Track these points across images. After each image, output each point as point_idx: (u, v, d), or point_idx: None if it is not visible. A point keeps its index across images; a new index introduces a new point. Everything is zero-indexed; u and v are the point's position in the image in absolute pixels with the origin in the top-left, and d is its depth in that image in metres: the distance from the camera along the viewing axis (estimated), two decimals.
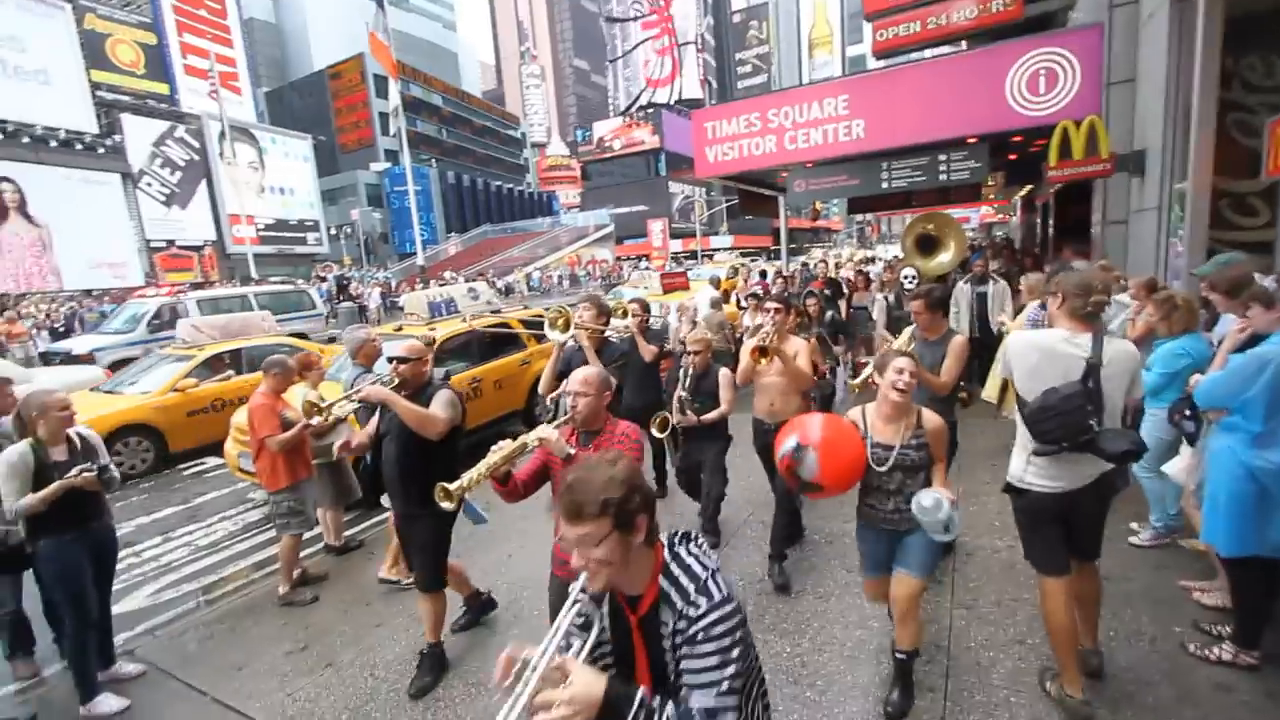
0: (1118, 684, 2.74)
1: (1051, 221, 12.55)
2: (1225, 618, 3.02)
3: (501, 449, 2.27)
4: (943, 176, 8.39)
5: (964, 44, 11.62)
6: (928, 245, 7.93)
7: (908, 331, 3.80)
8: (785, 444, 2.59)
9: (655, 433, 3.84)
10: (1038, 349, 2.45)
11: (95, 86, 28.59)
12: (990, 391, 5.38)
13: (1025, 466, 2.53)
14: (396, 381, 3.02)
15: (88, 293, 25.44)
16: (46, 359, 11.74)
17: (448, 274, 29.63)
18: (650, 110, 58.58)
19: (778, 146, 9.08)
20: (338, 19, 65.47)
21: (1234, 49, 5.34)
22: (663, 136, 55.32)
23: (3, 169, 24.94)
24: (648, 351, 4.71)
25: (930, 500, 2.42)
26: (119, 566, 4.64)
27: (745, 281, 13.58)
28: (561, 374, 3.96)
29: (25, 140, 25.92)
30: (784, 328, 3.69)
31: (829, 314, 6.40)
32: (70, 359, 10.88)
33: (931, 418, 2.62)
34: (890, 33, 10.99)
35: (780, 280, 10.29)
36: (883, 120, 8.25)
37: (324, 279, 26.96)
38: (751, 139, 9.31)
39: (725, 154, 9.57)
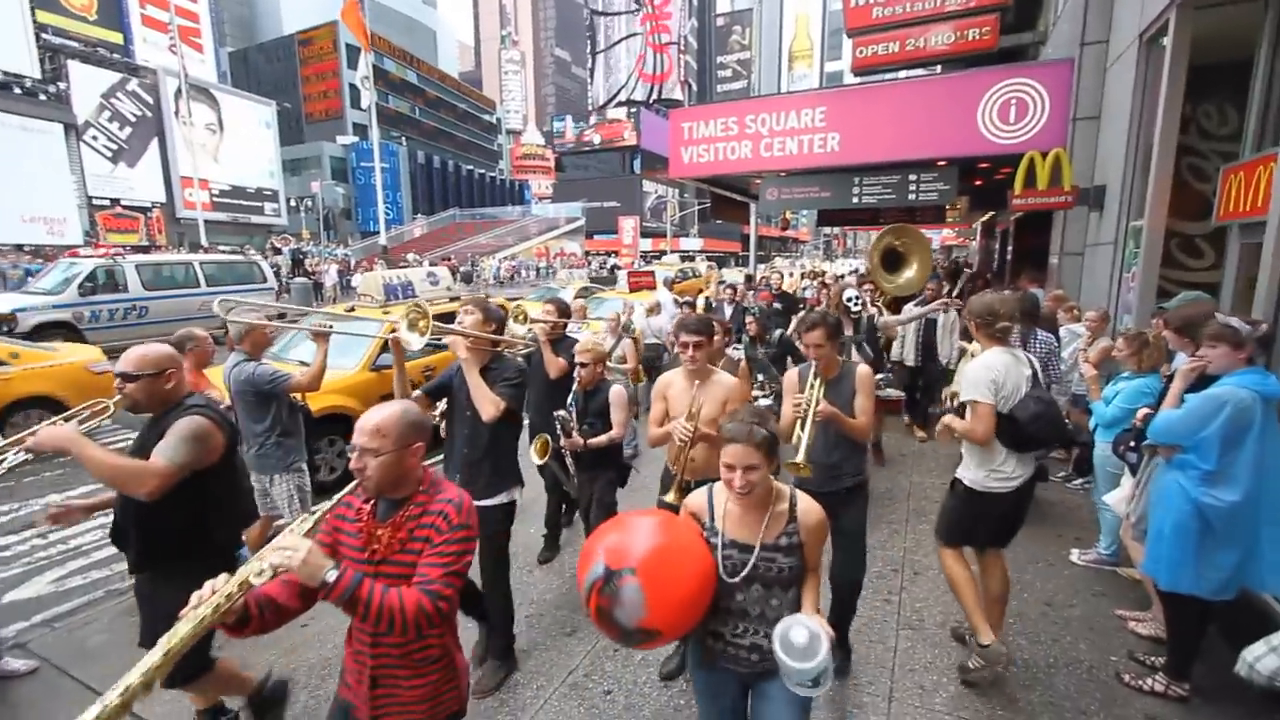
0: (1056, 712, 2.76)
1: (1010, 248, 12.95)
2: (1158, 649, 3.08)
3: (201, 608, 1.37)
4: (912, 196, 8.51)
5: (939, 68, 11.89)
6: (893, 262, 7.58)
7: (796, 375, 2.99)
8: (590, 569, 1.67)
9: (535, 459, 3.38)
10: (1013, 368, 2.77)
11: (41, 29, 26.81)
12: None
13: (987, 474, 2.82)
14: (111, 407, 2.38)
15: (19, 247, 23.84)
16: None
17: (411, 256, 28.86)
18: (631, 106, 58.35)
19: (753, 153, 9.07)
20: None
21: (1193, 96, 5.53)
22: (640, 134, 55.23)
23: None
24: (553, 365, 3.88)
25: (803, 637, 1.63)
26: (20, 549, 4.35)
27: (712, 285, 13.54)
28: (436, 391, 3.03)
29: None
30: (706, 363, 2.85)
31: (776, 332, 5.58)
32: None
33: (809, 509, 1.82)
34: (870, 50, 11.15)
35: (729, 290, 8.91)
36: (858, 135, 8.32)
37: (279, 251, 25.89)
38: (727, 143, 9.29)
39: (700, 156, 9.52)
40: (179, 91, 24.03)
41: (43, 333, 10.21)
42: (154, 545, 2.25)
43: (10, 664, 2.99)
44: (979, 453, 2.82)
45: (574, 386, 3.60)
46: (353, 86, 47.08)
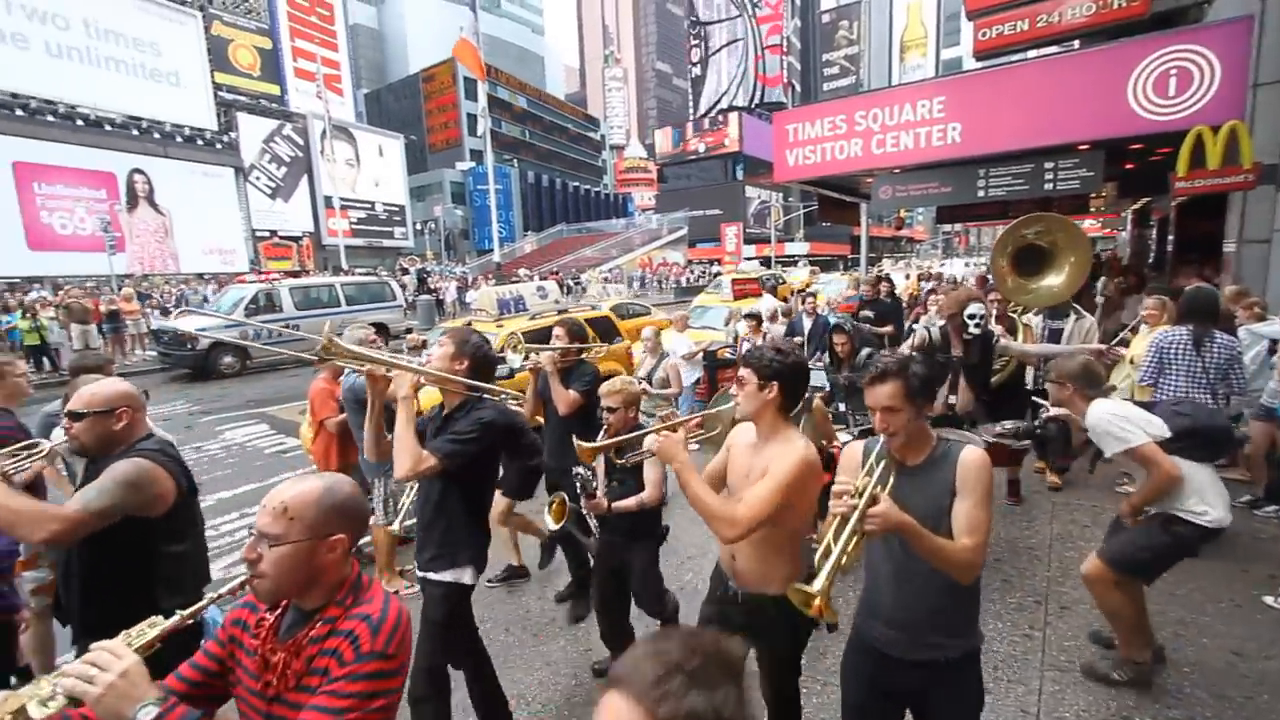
0: None
1: (1170, 237, 11.38)
2: None
3: None
4: (1048, 186, 7.72)
5: (1076, 44, 10.77)
6: (1030, 260, 5.14)
7: (859, 451, 1.85)
8: None
9: (551, 523, 2.86)
10: (1118, 404, 2.78)
11: (217, 87, 31.24)
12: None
13: (1226, 510, 2.67)
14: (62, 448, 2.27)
15: (200, 276, 27.76)
16: (157, 336, 12.85)
17: (522, 271, 30.36)
18: (733, 111, 58.06)
19: (864, 150, 8.65)
20: (434, 24, 68.54)
21: None
22: (742, 139, 54.66)
23: (137, 162, 27.75)
24: (562, 399, 3.36)
25: None
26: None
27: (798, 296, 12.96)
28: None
29: (156, 136, 28.69)
30: (770, 410, 1.93)
31: (864, 351, 4.59)
32: (176, 337, 11.81)
33: None
34: (994, 31, 10.32)
35: (810, 301, 7.45)
36: (982, 124, 7.68)
37: (407, 271, 28.21)
38: (836, 142, 8.93)
39: (807, 158, 9.23)
40: (324, 132, 27.01)
41: (217, 350, 11.80)
42: (97, 609, 1.87)
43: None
44: (1190, 487, 2.64)
45: (602, 432, 3.09)
46: (470, 115, 50.62)
